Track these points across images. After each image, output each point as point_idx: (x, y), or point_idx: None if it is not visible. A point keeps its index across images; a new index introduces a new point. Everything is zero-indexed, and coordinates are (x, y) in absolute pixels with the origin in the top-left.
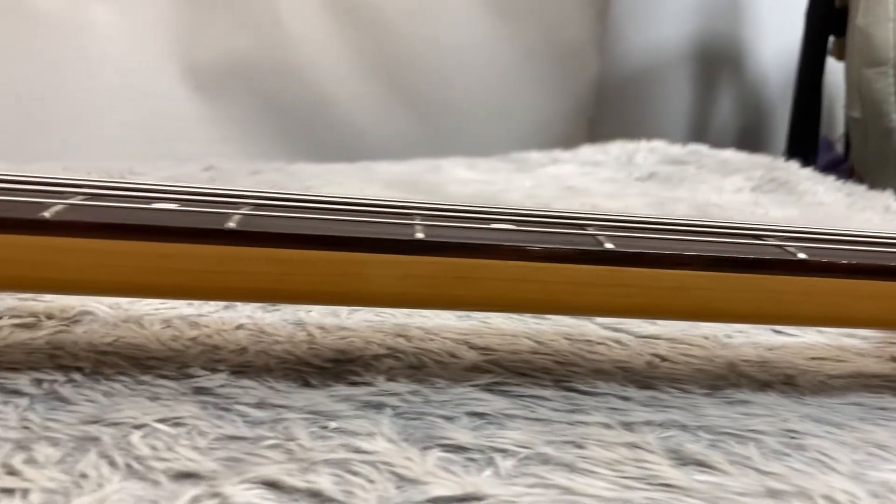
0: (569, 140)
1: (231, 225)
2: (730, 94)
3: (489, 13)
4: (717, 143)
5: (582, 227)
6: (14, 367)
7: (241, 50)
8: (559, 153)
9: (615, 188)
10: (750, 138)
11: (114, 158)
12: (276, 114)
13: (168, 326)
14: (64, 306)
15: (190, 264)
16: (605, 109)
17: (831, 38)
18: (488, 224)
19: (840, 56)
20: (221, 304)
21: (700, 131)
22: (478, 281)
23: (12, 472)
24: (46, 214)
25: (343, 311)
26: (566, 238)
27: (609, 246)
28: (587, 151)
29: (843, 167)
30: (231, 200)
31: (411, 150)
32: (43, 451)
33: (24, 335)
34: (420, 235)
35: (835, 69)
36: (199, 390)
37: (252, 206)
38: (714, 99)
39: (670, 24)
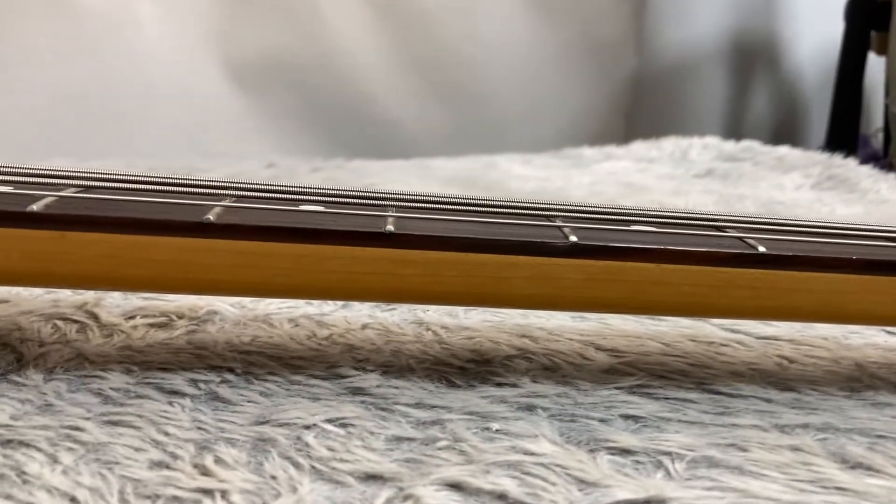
0: (605, 135)
1: (390, 228)
2: (765, 89)
3: (527, 9)
4: (753, 139)
5: (721, 228)
6: (165, 367)
7: (282, 46)
8: (612, 149)
9: (675, 185)
10: (785, 133)
11: (159, 153)
12: (315, 109)
13: (297, 326)
14: (191, 305)
15: (346, 266)
16: (641, 105)
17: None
18: (628, 226)
19: (881, 51)
20: (340, 302)
21: (736, 126)
22: (629, 284)
23: (206, 472)
24: (211, 217)
25: (459, 310)
26: (714, 241)
27: (762, 249)
28: (640, 147)
29: (882, 162)
30: (374, 203)
31: (448, 144)
32: (227, 452)
33: (161, 335)
34: (573, 238)
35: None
36: (356, 391)
37: (397, 209)
38: (750, 94)
39: (706, 20)
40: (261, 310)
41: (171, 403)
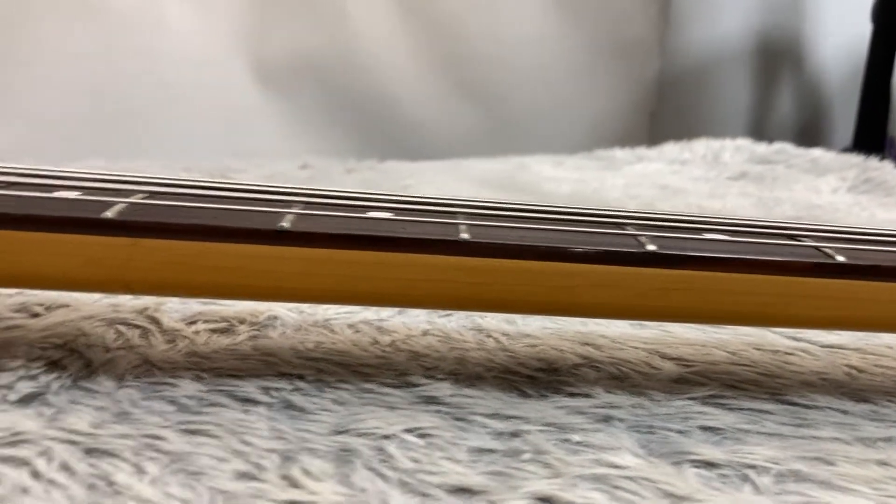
0: (630, 135)
1: (465, 236)
2: (790, 89)
3: (553, 8)
4: (777, 139)
5: (795, 237)
6: (234, 375)
7: (309, 46)
8: (644, 151)
9: (711, 187)
10: (810, 134)
11: (187, 153)
12: (342, 109)
13: (357, 332)
14: (251, 310)
15: (420, 274)
16: (665, 105)
17: None
18: (700, 234)
19: None
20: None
21: (760, 127)
22: (705, 293)
23: (295, 484)
24: (286, 224)
25: (516, 316)
26: (790, 250)
27: (841, 259)
28: (672, 149)
29: None
30: (443, 210)
31: (473, 143)
32: (312, 463)
33: (225, 340)
34: (652, 247)
35: None
36: (430, 400)
37: (467, 216)
38: (774, 94)
39: (731, 19)
40: (320, 315)
41: (246, 412)
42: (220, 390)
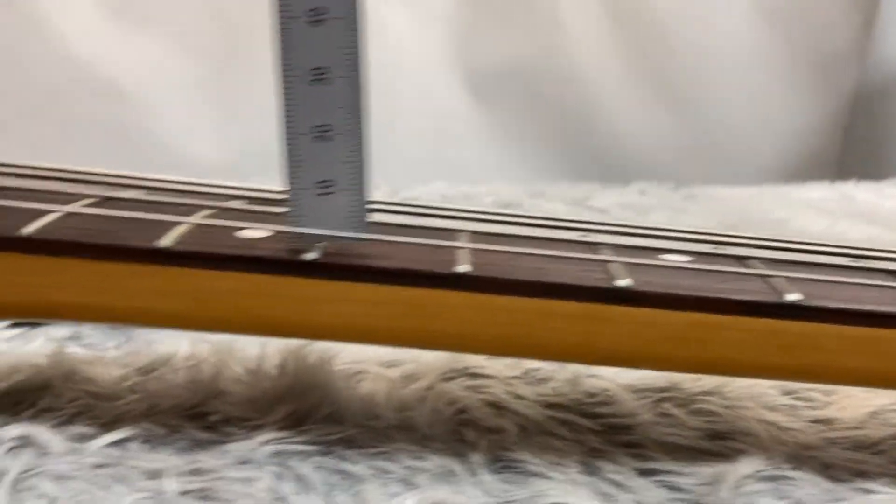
0: (823, 150)
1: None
2: None
3: (759, 19)
4: None
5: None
6: None
7: (520, 56)
8: None
9: None
10: None
11: (400, 164)
12: (552, 120)
13: None
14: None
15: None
16: (859, 119)
17: None
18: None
19: None
20: None
21: None
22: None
23: None
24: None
25: None
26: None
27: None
28: None
29: None
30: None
31: (675, 160)
32: None
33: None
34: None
35: None
36: None
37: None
38: None
39: None
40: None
41: None
42: None
